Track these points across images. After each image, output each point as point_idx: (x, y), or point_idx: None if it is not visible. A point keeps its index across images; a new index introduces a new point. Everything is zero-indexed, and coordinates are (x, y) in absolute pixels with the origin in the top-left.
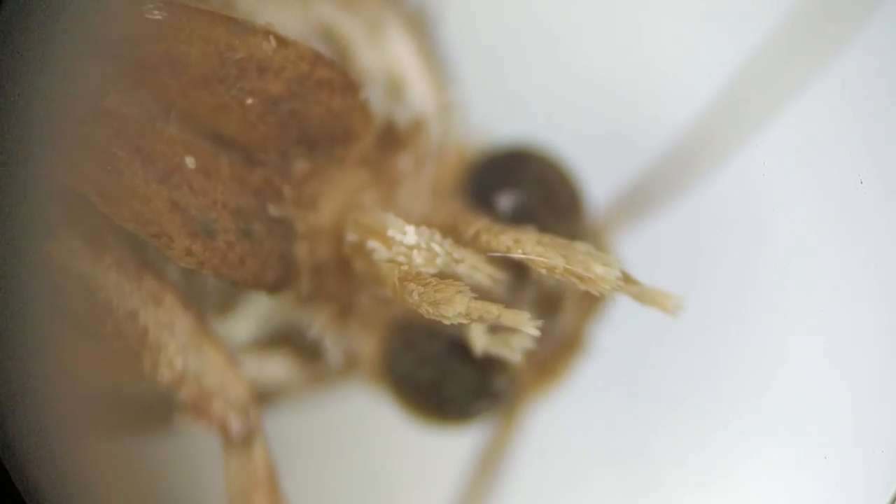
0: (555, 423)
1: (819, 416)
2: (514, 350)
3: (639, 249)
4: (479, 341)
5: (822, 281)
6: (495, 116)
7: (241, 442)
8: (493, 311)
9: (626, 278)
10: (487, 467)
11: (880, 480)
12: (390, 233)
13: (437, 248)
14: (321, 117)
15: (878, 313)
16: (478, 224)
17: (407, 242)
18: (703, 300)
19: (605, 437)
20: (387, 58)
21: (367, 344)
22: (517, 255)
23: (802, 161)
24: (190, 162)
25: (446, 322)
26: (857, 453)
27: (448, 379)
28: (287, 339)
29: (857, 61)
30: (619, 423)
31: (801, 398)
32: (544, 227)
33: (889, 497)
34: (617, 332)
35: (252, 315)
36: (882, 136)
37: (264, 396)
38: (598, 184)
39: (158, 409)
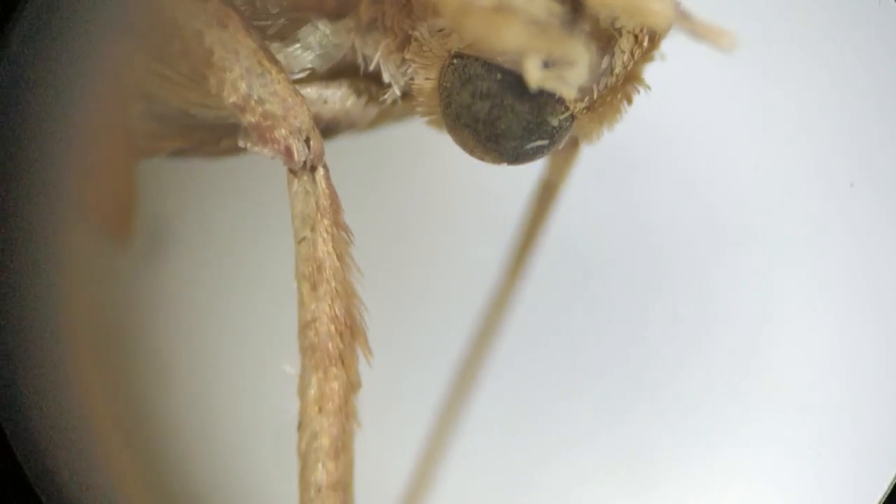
0: (554, 422)
1: (815, 414)
2: (569, 85)
3: (632, 252)
4: (534, 76)
5: (815, 281)
6: None
7: (305, 170)
8: (549, 43)
9: (681, 14)
10: (542, 206)
11: (878, 479)
12: None
13: None
14: None
15: (871, 312)
16: None
17: None
18: (698, 302)
19: (604, 436)
20: None
21: (425, 77)
22: None
23: (793, 164)
24: None
25: (502, 55)
26: (854, 451)
27: (504, 114)
28: (346, 71)
29: (848, 65)
30: (618, 423)
31: (798, 398)
32: None
33: (881, 495)
34: (616, 331)
35: (313, 45)
36: (872, 138)
37: (325, 128)
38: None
39: (226, 132)
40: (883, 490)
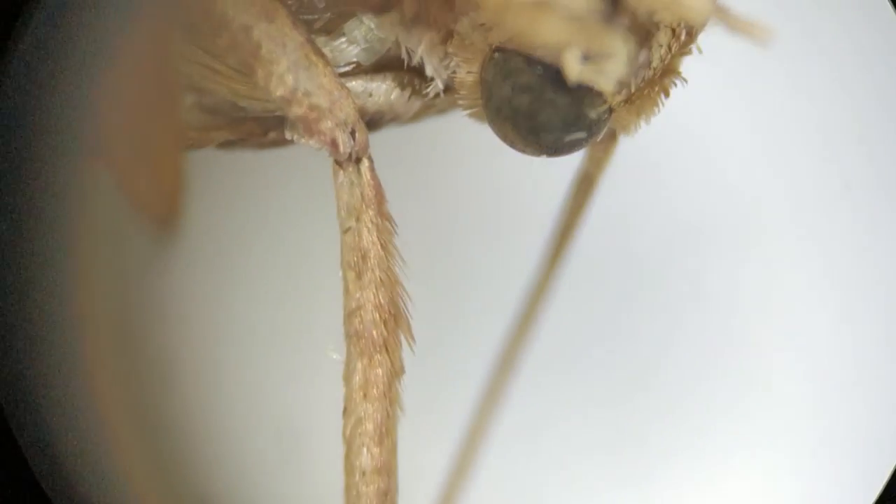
0: (552, 413)
1: (811, 411)
2: (607, 78)
3: (621, 256)
4: (573, 69)
5: (811, 283)
6: None
7: (350, 161)
8: (588, 37)
9: (719, 8)
10: (581, 197)
11: (874, 476)
12: None
13: None
14: None
15: (870, 314)
16: None
17: None
18: (694, 302)
19: (600, 430)
20: None
21: (467, 71)
22: None
23: (787, 165)
24: None
25: (542, 50)
26: (849, 448)
27: (544, 107)
28: (391, 65)
29: (846, 65)
30: (615, 417)
31: (794, 395)
32: None
33: (876, 493)
34: (615, 330)
35: (358, 39)
36: (868, 139)
37: (369, 121)
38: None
39: (273, 124)
40: (879, 487)
